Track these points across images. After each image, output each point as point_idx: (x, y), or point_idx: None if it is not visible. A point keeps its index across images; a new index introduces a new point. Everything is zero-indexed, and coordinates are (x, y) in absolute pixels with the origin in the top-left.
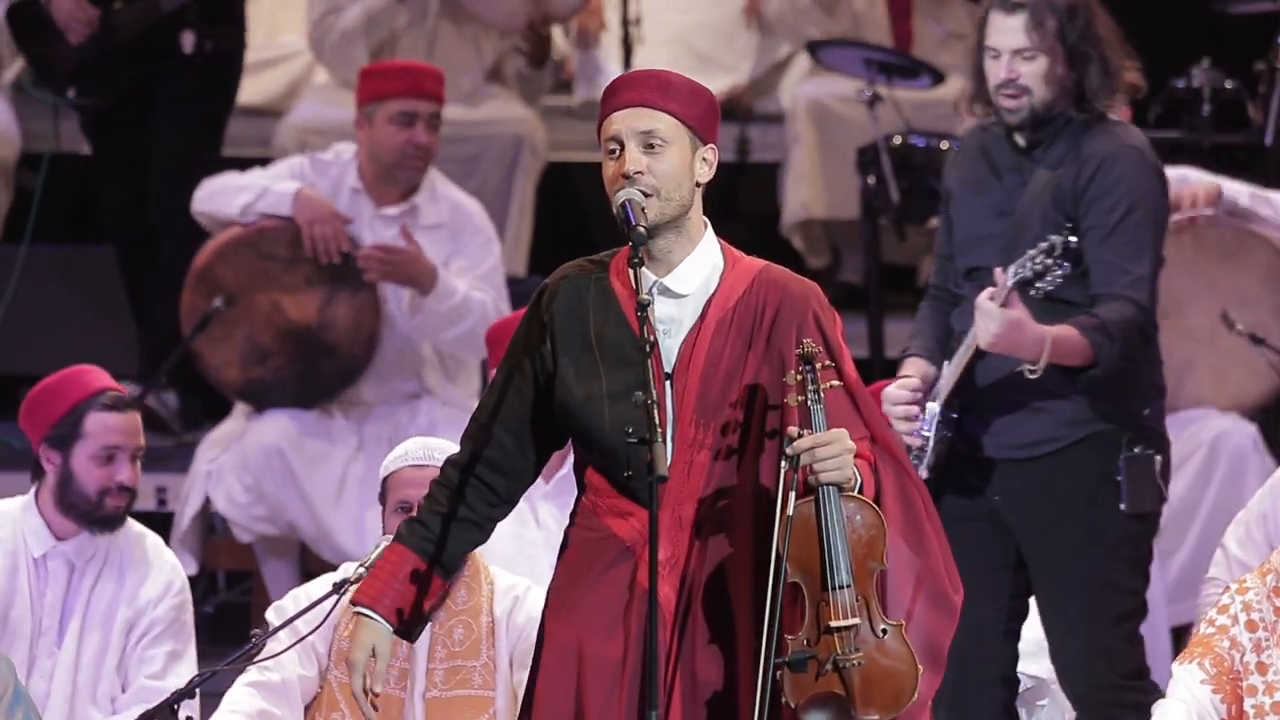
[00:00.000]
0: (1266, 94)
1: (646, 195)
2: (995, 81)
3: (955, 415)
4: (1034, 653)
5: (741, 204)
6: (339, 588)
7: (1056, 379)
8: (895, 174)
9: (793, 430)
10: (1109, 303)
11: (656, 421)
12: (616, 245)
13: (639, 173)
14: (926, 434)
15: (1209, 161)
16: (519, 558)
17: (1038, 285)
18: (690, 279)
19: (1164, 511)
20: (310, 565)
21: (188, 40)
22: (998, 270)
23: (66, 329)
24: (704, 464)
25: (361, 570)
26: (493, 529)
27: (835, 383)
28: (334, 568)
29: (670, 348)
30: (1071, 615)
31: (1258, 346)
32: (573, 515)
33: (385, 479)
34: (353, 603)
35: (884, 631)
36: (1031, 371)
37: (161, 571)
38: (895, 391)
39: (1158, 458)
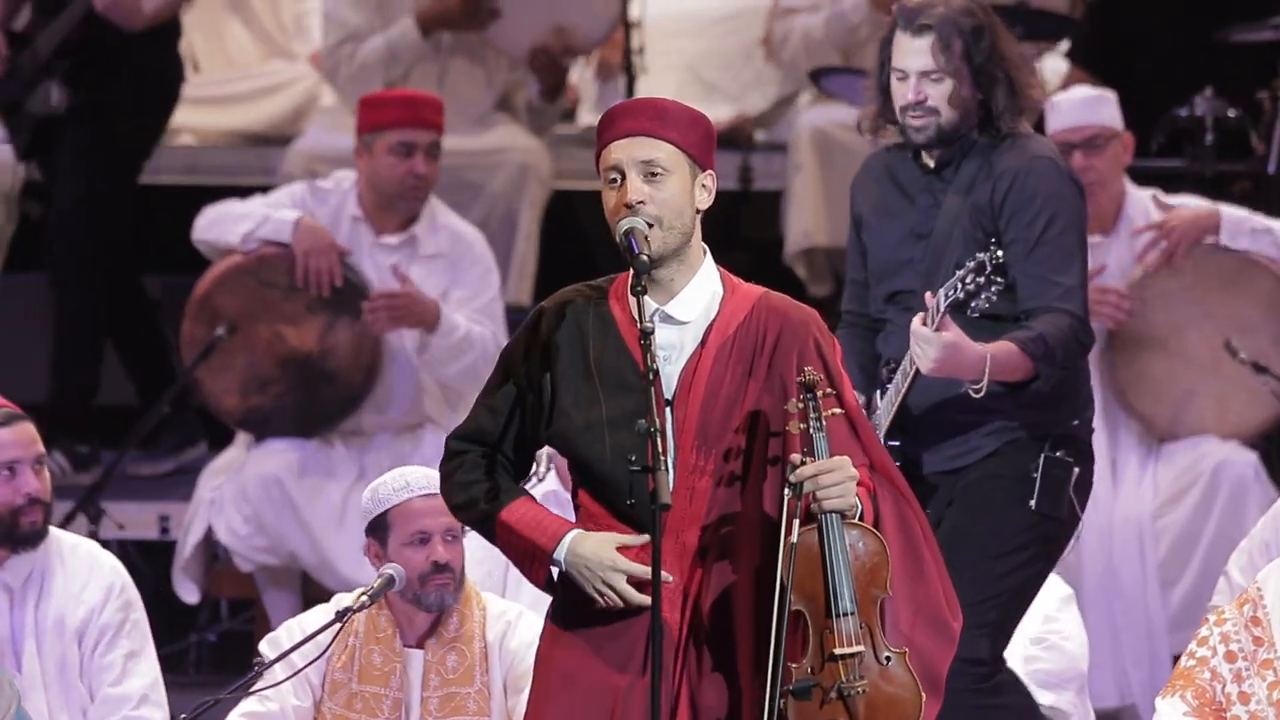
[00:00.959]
0: (1269, 123)
1: (650, 225)
2: (902, 103)
3: (897, 444)
4: (1054, 684)
5: (744, 232)
6: (341, 615)
7: (988, 394)
8: None
9: (795, 458)
10: (1043, 316)
11: (660, 450)
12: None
13: (641, 202)
14: None
15: (1212, 190)
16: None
17: (973, 305)
18: (691, 306)
19: (1165, 540)
20: (312, 594)
21: (55, 94)
22: (928, 295)
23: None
24: (706, 490)
25: (364, 599)
26: None
27: (837, 410)
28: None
29: (671, 374)
30: None
31: (1260, 375)
32: None
33: (387, 512)
34: (543, 553)
35: (888, 659)
36: (975, 390)
37: (101, 575)
38: None
39: (1076, 468)
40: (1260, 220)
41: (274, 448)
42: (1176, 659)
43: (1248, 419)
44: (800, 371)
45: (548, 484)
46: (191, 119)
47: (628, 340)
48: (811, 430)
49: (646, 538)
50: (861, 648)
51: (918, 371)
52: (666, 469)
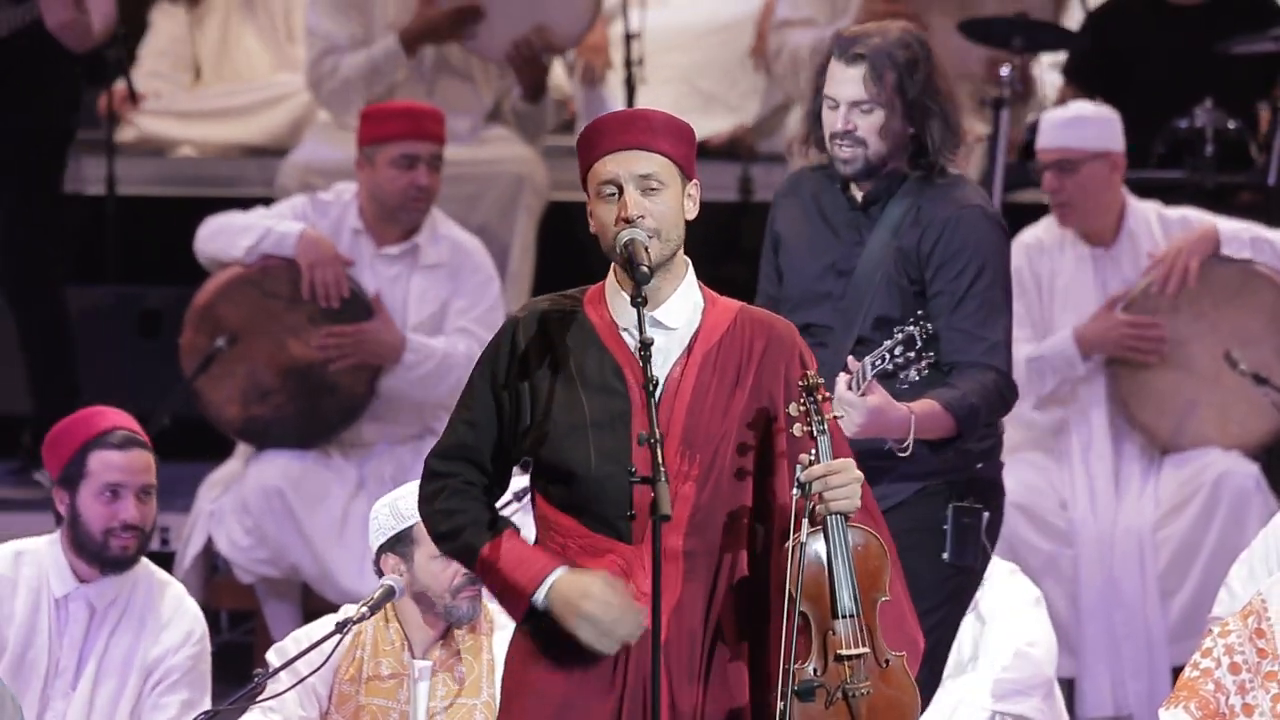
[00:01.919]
0: (1269, 134)
1: (649, 237)
2: (831, 131)
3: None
4: (1020, 692)
5: (744, 243)
6: (341, 627)
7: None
8: None
9: (804, 458)
10: (968, 372)
11: (661, 461)
12: None
13: (641, 216)
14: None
15: (1211, 202)
16: None
17: (902, 377)
18: (677, 313)
19: (1166, 550)
20: (313, 605)
21: None
22: (852, 359)
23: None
24: (689, 496)
25: (365, 610)
26: None
27: (838, 414)
28: (336, 608)
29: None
30: None
31: (1261, 386)
32: None
33: (412, 528)
34: (524, 593)
35: (887, 662)
36: (901, 450)
37: (183, 620)
38: None
39: (985, 514)
40: (1260, 231)
41: (274, 458)
42: (1176, 670)
43: (1249, 430)
44: (788, 381)
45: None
46: (191, 131)
47: (608, 344)
48: (815, 432)
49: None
50: (865, 649)
51: None
52: (661, 479)
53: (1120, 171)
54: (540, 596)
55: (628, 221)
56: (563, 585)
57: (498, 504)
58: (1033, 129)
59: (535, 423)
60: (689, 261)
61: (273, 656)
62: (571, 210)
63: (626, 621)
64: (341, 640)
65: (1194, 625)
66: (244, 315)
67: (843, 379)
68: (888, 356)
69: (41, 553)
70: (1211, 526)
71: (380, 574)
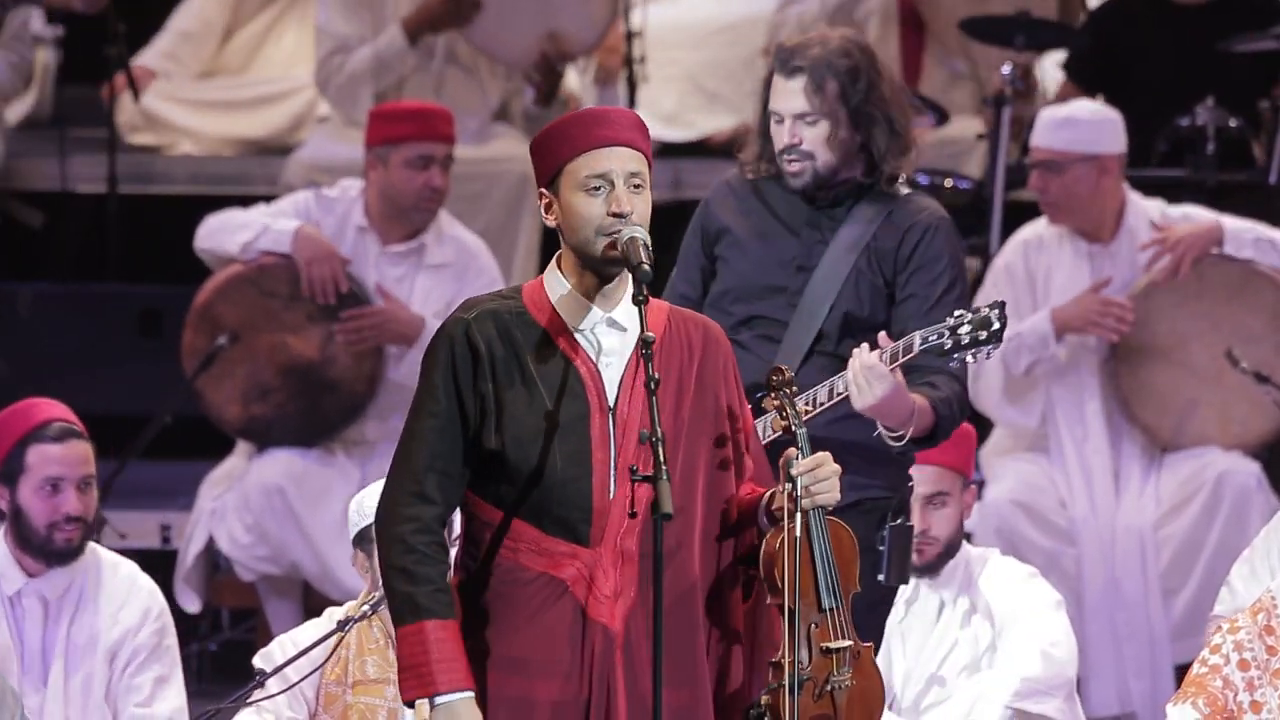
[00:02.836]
0: (1271, 133)
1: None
2: (779, 146)
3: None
4: (1041, 692)
5: None
6: (342, 626)
7: (840, 443)
8: None
9: (791, 452)
10: (938, 378)
11: (663, 459)
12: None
13: (630, 213)
14: None
15: (1213, 200)
16: None
17: (956, 358)
18: (630, 314)
19: (1167, 549)
20: (314, 604)
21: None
22: (883, 336)
23: (69, 367)
24: (645, 495)
25: (366, 609)
26: None
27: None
28: (339, 605)
29: (612, 379)
30: None
31: (1262, 385)
32: (474, 571)
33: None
34: (441, 694)
35: (858, 653)
36: (895, 439)
37: (139, 598)
38: None
39: (915, 531)
40: (1264, 231)
41: (276, 457)
42: (1178, 669)
43: (1251, 429)
44: (726, 377)
45: None
46: (191, 121)
47: (561, 346)
48: (794, 426)
49: None
50: (850, 641)
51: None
52: (610, 476)
53: (1113, 174)
54: (443, 699)
55: (619, 216)
56: (461, 708)
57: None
58: (1033, 128)
59: (501, 424)
60: None
61: (259, 661)
62: None
63: None
64: (343, 638)
65: (1196, 624)
66: (243, 314)
67: (876, 353)
68: (948, 334)
69: None
70: (1213, 525)
71: (365, 573)
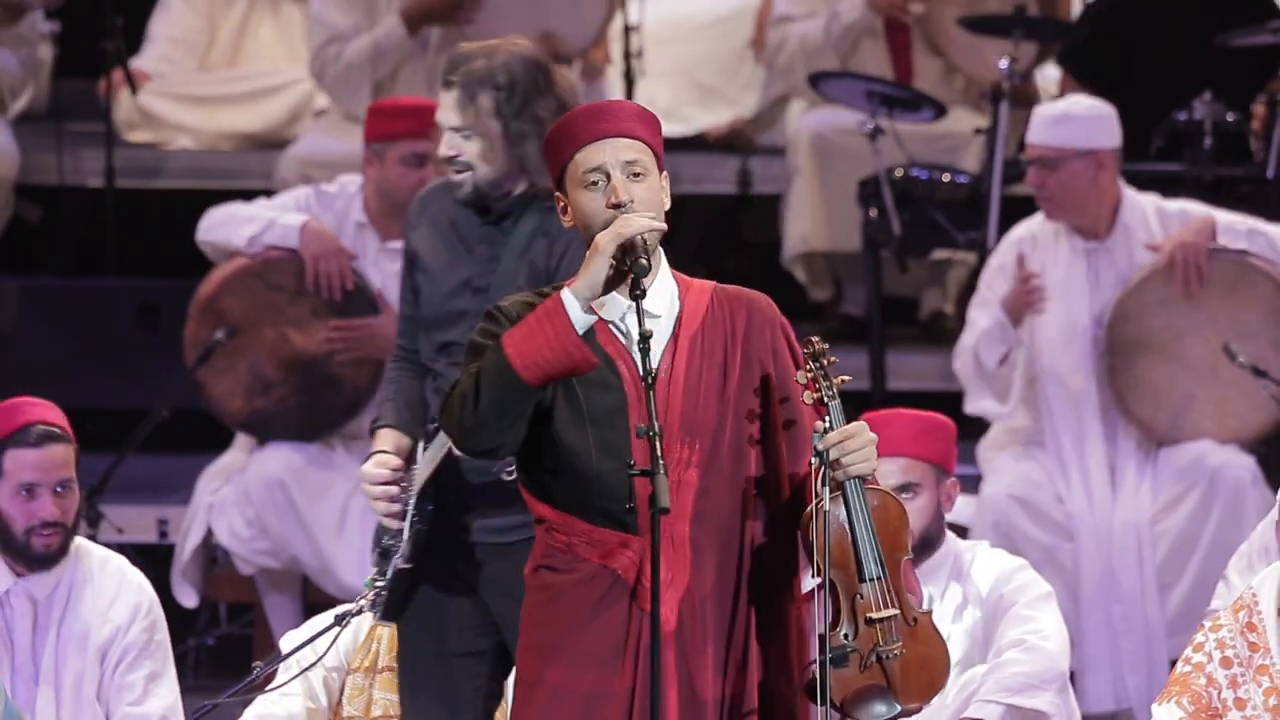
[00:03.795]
0: (1267, 127)
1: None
2: (441, 156)
3: (431, 507)
4: (1034, 686)
5: (743, 236)
6: (340, 620)
7: None
8: (897, 207)
9: (820, 425)
10: None
11: (660, 453)
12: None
13: (630, 202)
14: (405, 524)
15: (1210, 195)
16: None
17: None
18: (659, 301)
19: (1163, 544)
20: (312, 598)
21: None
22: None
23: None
24: (693, 482)
25: (362, 602)
26: None
27: (846, 377)
28: (336, 601)
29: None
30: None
31: (1260, 379)
32: (539, 559)
33: None
34: (561, 307)
35: (915, 620)
36: (507, 473)
37: (129, 594)
38: (373, 470)
39: None
40: (1257, 224)
41: (277, 450)
42: (1174, 664)
43: (1247, 423)
44: (775, 351)
45: None
46: (188, 116)
47: (598, 338)
48: (825, 398)
49: None
50: (895, 610)
51: None
52: (660, 471)
53: (1109, 169)
54: (568, 292)
55: (618, 206)
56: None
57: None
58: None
59: (538, 418)
60: (661, 249)
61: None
62: None
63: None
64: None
65: (1192, 618)
66: (247, 308)
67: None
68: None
69: None
70: (1209, 519)
71: None
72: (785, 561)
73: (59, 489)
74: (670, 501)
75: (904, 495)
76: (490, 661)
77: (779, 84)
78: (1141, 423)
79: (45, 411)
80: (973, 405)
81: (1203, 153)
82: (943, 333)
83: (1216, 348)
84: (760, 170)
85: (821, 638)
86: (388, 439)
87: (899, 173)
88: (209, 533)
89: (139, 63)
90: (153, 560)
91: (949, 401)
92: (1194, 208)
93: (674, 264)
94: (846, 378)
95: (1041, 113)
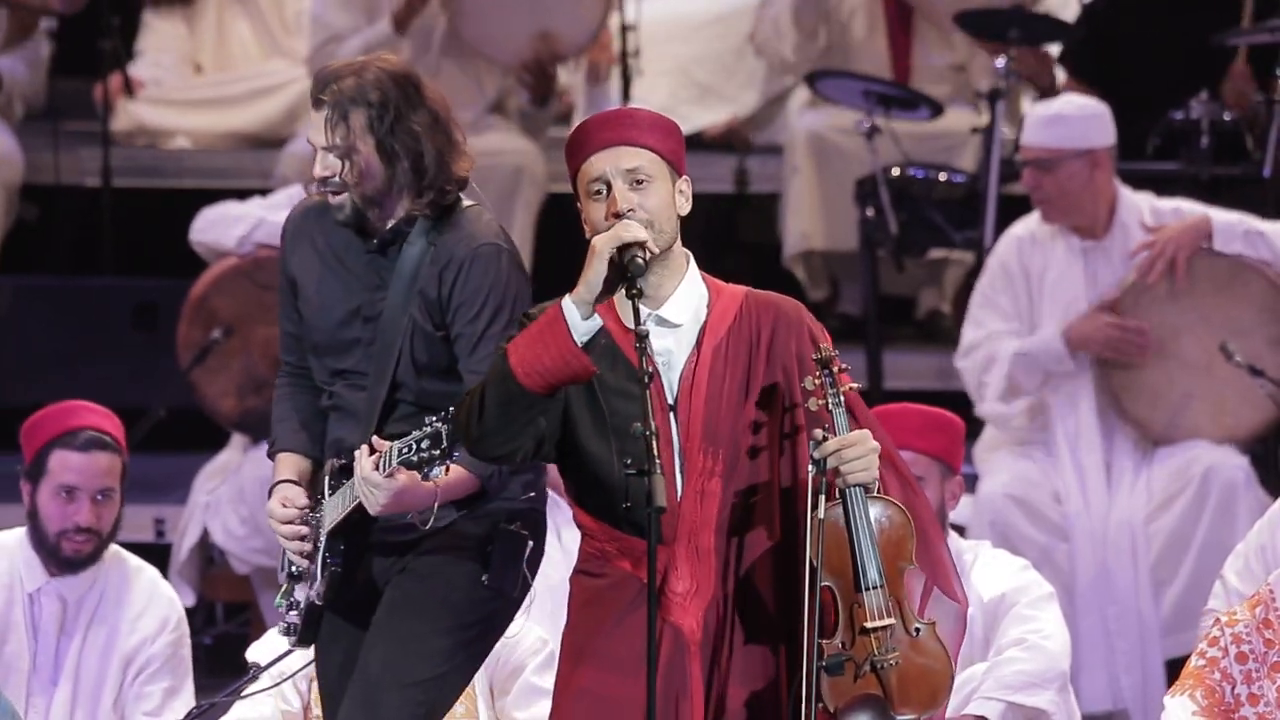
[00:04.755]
0: (1265, 126)
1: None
2: (315, 176)
3: (343, 546)
4: (1035, 685)
5: (741, 235)
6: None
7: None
8: (894, 206)
9: (818, 433)
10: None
11: (655, 453)
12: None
13: (631, 210)
14: (317, 563)
15: (1207, 194)
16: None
17: (424, 473)
18: (682, 309)
19: (1156, 544)
20: None
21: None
22: (377, 439)
23: (64, 361)
24: (716, 491)
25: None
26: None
27: (854, 385)
28: None
29: (671, 379)
30: (372, 669)
31: (1256, 378)
32: (579, 563)
33: None
34: (559, 314)
35: (918, 630)
36: (422, 522)
37: (159, 606)
38: (281, 510)
39: (530, 541)
40: (1253, 223)
41: None
42: (1169, 664)
43: (1243, 422)
44: (800, 358)
45: None
46: (185, 121)
47: (623, 348)
48: (830, 406)
49: None
50: (892, 620)
51: None
52: (675, 473)
53: (1104, 168)
54: (568, 300)
55: (618, 216)
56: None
57: None
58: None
59: (572, 426)
60: (690, 255)
61: (253, 654)
62: (569, 202)
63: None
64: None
65: (1186, 618)
66: (238, 307)
67: (369, 458)
68: (414, 447)
69: (12, 547)
70: (1201, 519)
71: None
72: (798, 565)
73: (99, 496)
74: (666, 502)
75: None
76: None
77: (774, 80)
78: (1138, 422)
79: (100, 419)
80: (987, 408)
81: (1200, 152)
82: (940, 332)
83: (1212, 346)
84: (757, 169)
85: (810, 645)
86: (289, 466)
87: (896, 172)
88: (205, 532)
89: (134, 71)
90: (149, 560)
91: (946, 401)
92: (1188, 206)
93: None
94: (855, 385)
95: (1034, 114)
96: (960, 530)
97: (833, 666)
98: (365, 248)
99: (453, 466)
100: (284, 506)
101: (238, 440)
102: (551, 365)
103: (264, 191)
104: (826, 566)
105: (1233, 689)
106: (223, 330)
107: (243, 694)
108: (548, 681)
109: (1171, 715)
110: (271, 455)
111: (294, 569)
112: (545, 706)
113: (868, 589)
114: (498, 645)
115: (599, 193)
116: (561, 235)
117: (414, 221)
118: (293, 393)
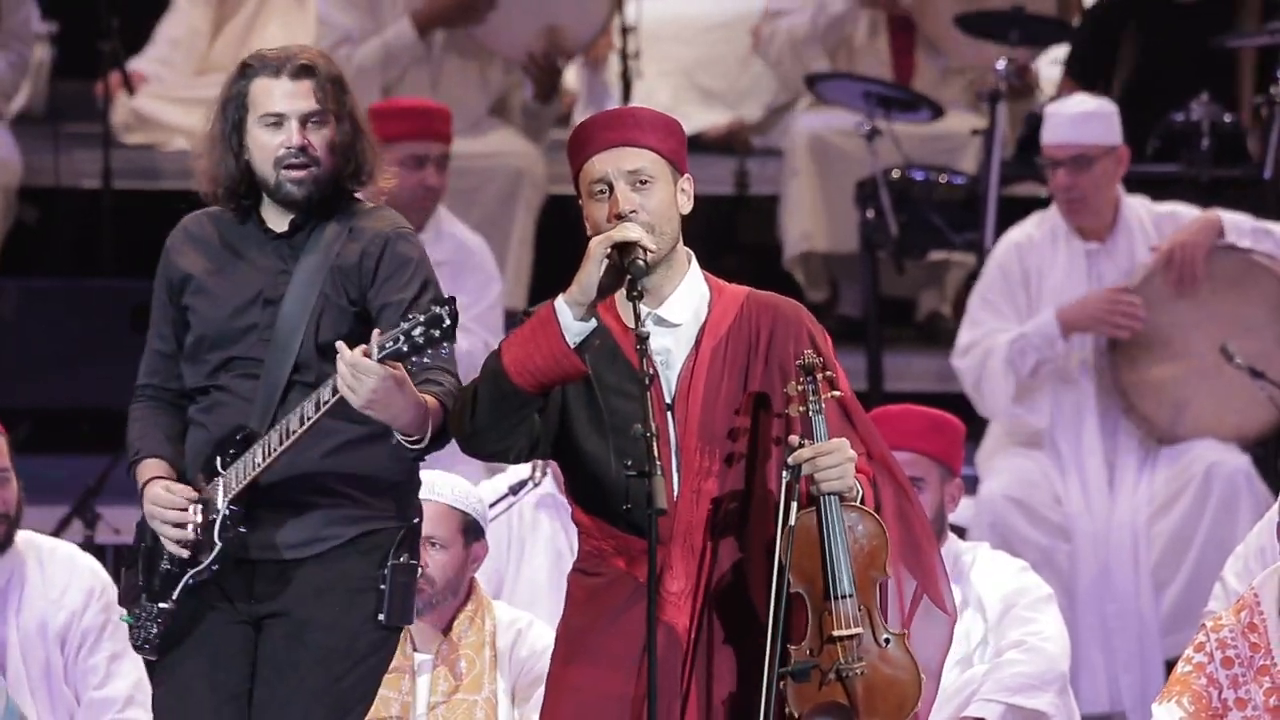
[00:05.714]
0: (1265, 128)
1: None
2: (280, 150)
3: (244, 513)
4: (1034, 687)
5: (740, 237)
6: None
7: (338, 475)
8: (894, 208)
9: (794, 439)
10: (434, 372)
11: (656, 454)
12: None
13: (633, 211)
14: (218, 538)
15: (1207, 196)
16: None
17: (414, 360)
18: (682, 309)
19: (1157, 544)
20: None
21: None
22: (376, 332)
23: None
24: (712, 491)
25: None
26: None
27: (836, 393)
28: None
29: (669, 378)
30: None
31: (1257, 380)
32: (577, 561)
33: None
34: (551, 313)
35: (887, 641)
36: (412, 444)
37: (81, 579)
38: (166, 496)
39: (420, 569)
40: (1261, 223)
41: None
42: (1169, 664)
43: (1249, 421)
44: (801, 354)
45: (544, 488)
46: (184, 118)
47: (623, 347)
48: (810, 413)
49: None
50: (860, 630)
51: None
52: (672, 472)
53: (1125, 165)
54: (561, 300)
55: (620, 218)
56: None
57: (491, 499)
58: (1029, 123)
59: (564, 421)
60: (691, 255)
61: None
62: (570, 203)
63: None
64: None
65: (1186, 618)
66: None
67: (359, 349)
68: (403, 338)
69: None
70: (1202, 519)
71: None
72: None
73: None
74: (666, 503)
75: None
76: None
77: (777, 86)
78: (1144, 419)
79: None
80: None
81: (1200, 154)
82: (940, 334)
83: (1218, 345)
84: (757, 171)
85: (771, 651)
86: (159, 467)
87: (896, 174)
88: None
89: (138, 63)
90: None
91: (946, 403)
92: (1183, 210)
93: None
94: (837, 393)
95: (1060, 112)
96: (960, 532)
97: (798, 673)
98: (267, 236)
99: (431, 396)
100: (170, 494)
101: None
102: (543, 364)
103: None
104: (797, 573)
105: (1219, 694)
106: None
107: None
108: None
109: None
110: (134, 464)
111: (165, 568)
112: None
113: (838, 597)
114: (524, 655)
115: (601, 193)
116: (562, 237)
117: (327, 207)
118: (154, 411)
